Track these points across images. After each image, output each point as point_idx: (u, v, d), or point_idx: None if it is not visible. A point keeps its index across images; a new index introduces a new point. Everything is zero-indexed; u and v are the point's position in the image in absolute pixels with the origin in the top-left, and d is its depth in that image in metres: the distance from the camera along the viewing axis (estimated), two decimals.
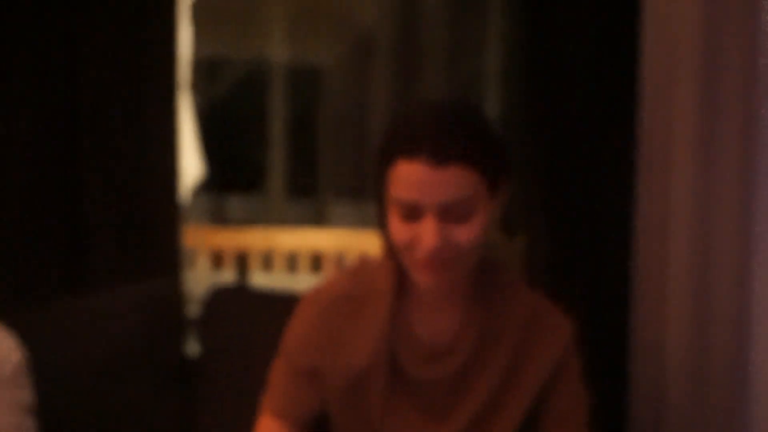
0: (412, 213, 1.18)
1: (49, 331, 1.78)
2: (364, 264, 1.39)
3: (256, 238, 4.45)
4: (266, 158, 11.71)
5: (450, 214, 1.17)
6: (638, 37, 1.90)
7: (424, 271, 1.20)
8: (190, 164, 4.09)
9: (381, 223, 1.31)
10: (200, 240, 4.22)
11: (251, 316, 1.83)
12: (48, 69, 1.93)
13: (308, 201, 12.85)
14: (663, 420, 1.81)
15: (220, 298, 1.86)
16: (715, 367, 1.76)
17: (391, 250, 1.32)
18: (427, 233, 1.16)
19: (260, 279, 3.88)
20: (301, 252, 4.40)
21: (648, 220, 1.88)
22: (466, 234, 1.18)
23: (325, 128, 12.12)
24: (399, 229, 1.20)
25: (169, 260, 2.04)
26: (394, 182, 1.19)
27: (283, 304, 1.72)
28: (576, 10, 2.03)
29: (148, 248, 2.01)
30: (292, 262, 4.82)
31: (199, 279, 3.60)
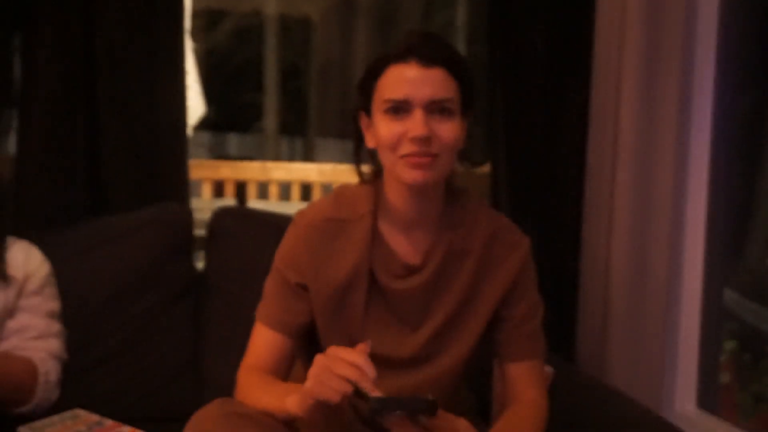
0: (402, 110, 1.18)
1: (73, 247, 1.77)
2: (344, 189, 1.37)
3: (253, 171, 4.45)
4: (262, 101, 11.60)
5: (435, 110, 1.18)
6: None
7: (412, 163, 1.19)
8: (193, 105, 4.04)
9: (356, 160, 1.33)
10: (204, 172, 4.20)
11: (250, 233, 1.82)
12: (69, 21, 1.87)
13: (299, 139, 12.80)
14: (607, 326, 1.85)
15: (222, 217, 1.85)
16: (651, 278, 1.80)
17: (368, 179, 1.33)
18: (417, 123, 1.17)
19: (257, 207, 3.88)
20: (293, 183, 4.41)
21: (599, 153, 1.89)
22: (448, 130, 1.19)
23: (313, 75, 11.99)
24: (388, 128, 1.20)
25: (177, 190, 2.02)
26: (386, 86, 1.20)
27: (277, 223, 1.72)
28: None
29: (159, 179, 1.99)
30: (284, 192, 4.82)
31: (203, 207, 3.59)
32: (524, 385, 1.33)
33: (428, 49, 1.18)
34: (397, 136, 1.19)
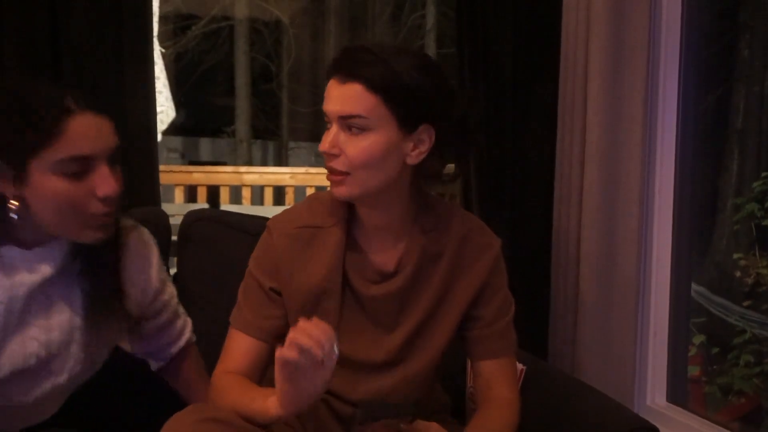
0: (328, 124, 1.22)
1: None
2: (317, 196, 1.37)
3: (225, 176, 4.43)
4: (233, 105, 11.53)
5: (347, 126, 1.19)
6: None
7: (327, 178, 1.23)
8: (164, 110, 4.01)
9: None
10: (177, 178, 4.17)
11: (222, 236, 1.79)
12: (34, 27, 1.83)
13: (271, 143, 12.70)
14: (578, 323, 1.86)
15: (194, 220, 1.82)
16: (621, 274, 1.82)
17: None
18: (325, 138, 1.21)
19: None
20: (266, 187, 4.39)
21: (567, 151, 1.91)
22: (356, 148, 1.19)
23: (285, 78, 11.94)
24: (323, 137, 1.22)
25: (148, 195, 2.00)
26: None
27: (249, 225, 1.70)
28: None
29: (130, 185, 1.96)
30: (257, 197, 4.80)
31: (175, 212, 3.56)
32: (496, 383, 1.33)
33: (347, 65, 1.18)
34: (323, 148, 1.22)
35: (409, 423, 1.09)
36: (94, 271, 1.26)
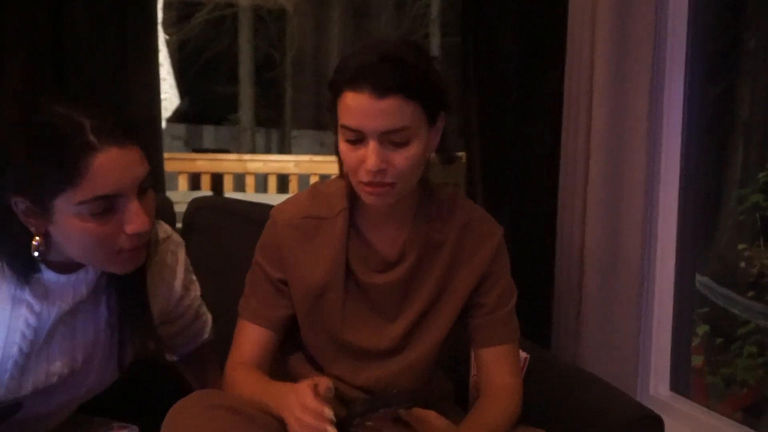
0: (358, 138, 1.17)
1: None
2: (320, 186, 1.38)
3: (229, 164, 4.43)
4: (237, 93, 11.50)
5: (390, 140, 1.16)
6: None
7: (368, 191, 1.20)
8: (168, 97, 4.02)
9: (337, 148, 1.29)
10: (180, 165, 4.18)
11: (227, 223, 1.79)
12: (37, 13, 1.83)
13: (275, 131, 12.67)
14: (582, 312, 1.87)
15: (199, 207, 1.82)
16: (625, 264, 1.82)
17: (346, 173, 1.33)
18: (370, 155, 1.16)
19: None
20: (270, 175, 4.40)
21: (572, 142, 1.90)
22: (404, 159, 1.17)
23: (288, 66, 11.92)
24: (347, 152, 1.19)
25: (152, 182, 1.99)
26: (342, 111, 1.17)
27: (254, 212, 1.70)
28: None
29: None
30: (261, 184, 4.80)
31: (179, 200, 3.56)
32: (498, 370, 1.34)
33: (381, 77, 1.13)
34: (354, 162, 1.18)
35: (407, 410, 1.11)
36: (122, 287, 1.23)
